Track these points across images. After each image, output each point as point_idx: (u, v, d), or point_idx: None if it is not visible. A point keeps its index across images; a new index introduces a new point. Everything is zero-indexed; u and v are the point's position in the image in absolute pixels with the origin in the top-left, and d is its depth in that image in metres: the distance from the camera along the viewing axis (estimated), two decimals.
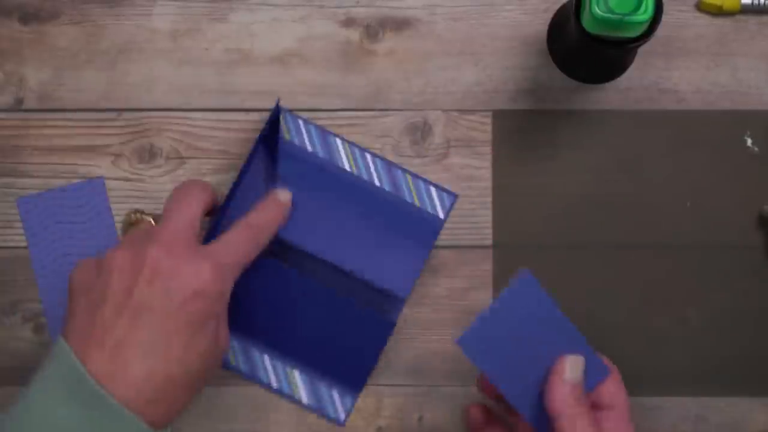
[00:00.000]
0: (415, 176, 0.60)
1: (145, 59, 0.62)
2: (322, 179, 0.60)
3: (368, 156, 0.60)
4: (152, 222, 0.53)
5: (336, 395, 0.60)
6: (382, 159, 0.60)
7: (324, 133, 0.61)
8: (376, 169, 0.60)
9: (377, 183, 0.60)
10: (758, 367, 0.60)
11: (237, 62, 0.62)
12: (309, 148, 0.61)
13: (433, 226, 0.60)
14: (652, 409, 0.59)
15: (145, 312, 0.48)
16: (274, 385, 0.60)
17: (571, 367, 0.50)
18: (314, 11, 0.62)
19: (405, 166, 0.60)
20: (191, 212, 0.52)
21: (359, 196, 0.60)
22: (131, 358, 0.48)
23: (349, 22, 0.62)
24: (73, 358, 0.47)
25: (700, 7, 0.61)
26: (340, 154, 0.60)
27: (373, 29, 0.62)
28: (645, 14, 0.49)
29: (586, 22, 0.51)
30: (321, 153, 0.60)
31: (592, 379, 0.52)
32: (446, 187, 0.60)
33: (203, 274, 0.50)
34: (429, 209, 0.60)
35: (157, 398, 0.48)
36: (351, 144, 0.61)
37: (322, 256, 0.59)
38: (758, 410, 0.59)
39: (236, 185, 0.59)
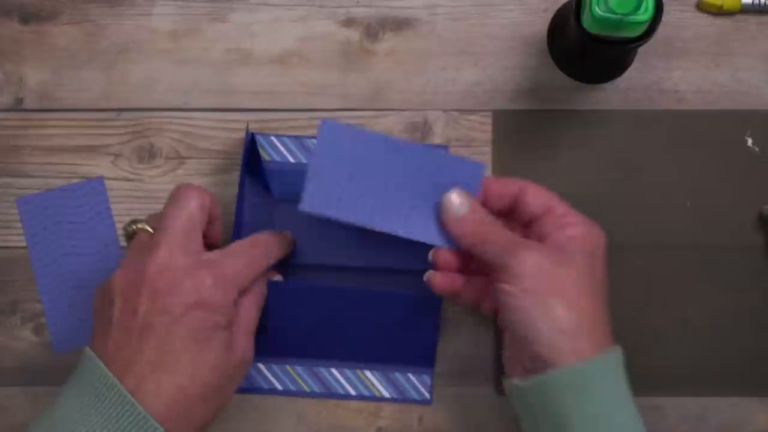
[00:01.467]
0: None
1: (145, 59, 0.62)
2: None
3: None
4: (149, 231, 0.53)
5: (413, 378, 0.60)
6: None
7: (299, 139, 0.61)
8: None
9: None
10: (758, 367, 0.60)
11: (237, 62, 0.62)
12: (291, 159, 0.60)
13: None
14: (652, 409, 0.59)
15: (150, 331, 0.48)
16: (353, 392, 0.60)
17: (455, 205, 0.53)
18: (314, 11, 0.62)
19: None
20: (187, 214, 0.52)
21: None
22: (141, 376, 0.48)
23: (349, 22, 0.62)
24: (102, 367, 0.48)
25: (700, 7, 0.61)
26: None
27: (373, 29, 0.62)
28: (645, 14, 0.49)
29: (586, 22, 0.51)
30: (304, 159, 0.60)
31: (472, 183, 0.54)
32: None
33: (203, 285, 0.50)
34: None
35: (172, 413, 0.48)
36: None
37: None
38: (758, 410, 0.59)
39: (238, 224, 0.58)
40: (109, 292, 0.50)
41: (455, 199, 0.53)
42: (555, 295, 0.49)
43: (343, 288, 0.59)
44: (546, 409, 0.48)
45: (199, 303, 0.49)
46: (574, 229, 0.52)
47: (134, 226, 0.53)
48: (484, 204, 0.54)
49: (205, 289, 0.49)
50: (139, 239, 0.52)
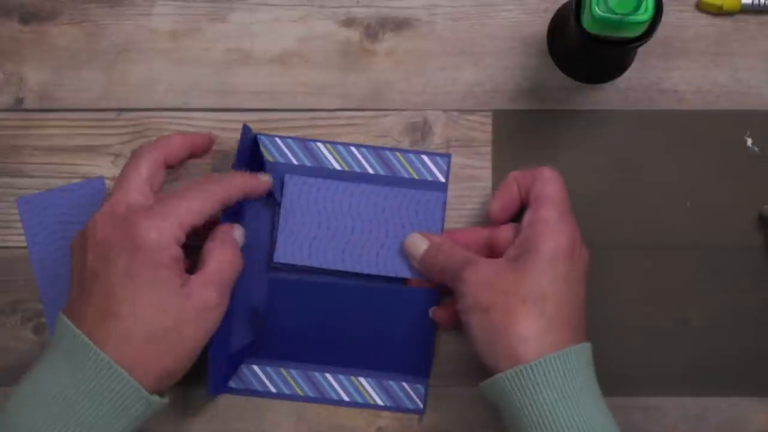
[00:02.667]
0: (404, 151, 0.60)
1: (145, 59, 0.62)
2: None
3: (353, 149, 0.61)
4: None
5: (407, 386, 0.60)
6: (367, 147, 0.61)
7: (303, 141, 0.61)
8: (365, 159, 0.60)
9: (371, 171, 0.60)
10: (758, 367, 0.60)
11: (237, 62, 0.62)
12: (294, 161, 0.61)
13: (438, 192, 0.60)
14: (652, 409, 0.59)
15: (95, 278, 0.50)
16: (346, 398, 0.60)
17: (413, 248, 0.58)
18: (314, 11, 0.62)
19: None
20: (133, 167, 0.53)
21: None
22: (93, 324, 0.49)
23: (349, 22, 0.62)
24: (64, 320, 0.50)
25: (700, 7, 0.61)
26: (326, 157, 0.61)
27: (373, 29, 0.62)
28: (645, 14, 0.49)
29: (586, 22, 0.51)
30: (308, 162, 0.61)
31: (435, 211, 0.59)
32: (439, 153, 0.61)
33: (138, 227, 0.50)
34: (428, 177, 0.60)
35: (124, 357, 0.49)
36: (332, 143, 0.61)
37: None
38: (758, 410, 0.59)
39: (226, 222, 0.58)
40: (69, 250, 0.53)
41: (410, 242, 0.58)
42: (493, 306, 0.51)
43: (341, 283, 0.59)
44: (500, 409, 0.52)
45: (135, 245, 0.50)
46: (538, 228, 0.53)
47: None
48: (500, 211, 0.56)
49: (140, 231, 0.50)
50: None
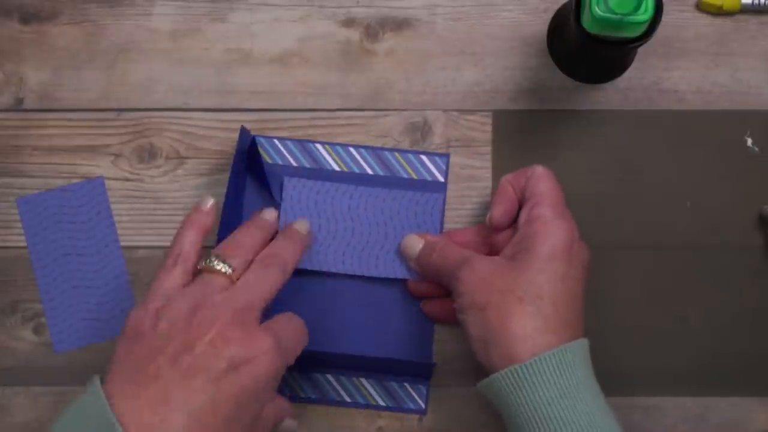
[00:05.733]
0: (403, 152, 0.61)
1: (145, 59, 0.62)
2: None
3: (352, 149, 0.61)
4: (230, 277, 0.51)
5: (409, 387, 0.60)
6: (366, 147, 0.61)
7: (302, 143, 0.61)
8: (364, 159, 0.60)
9: (370, 171, 0.60)
10: (758, 367, 0.60)
11: (237, 62, 0.62)
12: (293, 162, 0.61)
13: (437, 192, 0.60)
14: (652, 409, 0.59)
15: (202, 372, 0.47)
16: (348, 399, 0.59)
17: (409, 249, 0.58)
18: (314, 11, 0.62)
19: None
20: (266, 291, 0.51)
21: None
22: (173, 413, 0.46)
23: (349, 22, 0.62)
24: (105, 404, 0.45)
25: (700, 7, 0.61)
26: (325, 158, 0.61)
27: (373, 29, 0.62)
28: (645, 14, 0.49)
29: (586, 22, 0.51)
30: (307, 163, 0.61)
31: (434, 213, 0.59)
32: (438, 154, 0.61)
33: (267, 348, 0.48)
34: (428, 177, 0.60)
35: None
36: (331, 144, 0.61)
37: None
38: (758, 410, 0.59)
39: (225, 224, 0.57)
40: (169, 316, 0.48)
41: (407, 244, 0.58)
42: (489, 304, 0.51)
43: (341, 285, 0.59)
44: (498, 409, 0.52)
45: (257, 365, 0.48)
46: (535, 226, 0.53)
47: (210, 263, 0.51)
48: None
49: (266, 352, 0.48)
50: (213, 278, 0.51)
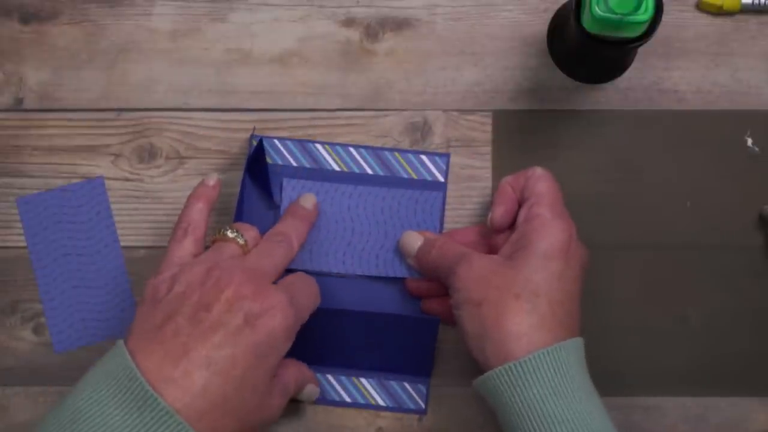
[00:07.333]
0: (403, 152, 0.61)
1: (145, 59, 0.62)
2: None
3: (352, 149, 0.61)
4: (242, 247, 0.53)
5: (408, 386, 0.59)
6: (366, 147, 0.61)
7: (302, 143, 0.61)
8: (364, 159, 0.60)
9: (370, 171, 0.60)
10: (758, 366, 0.60)
11: (237, 62, 0.62)
12: (293, 163, 0.61)
13: (437, 192, 0.60)
14: (652, 409, 0.59)
15: (220, 328, 0.48)
16: (348, 399, 0.59)
17: (407, 247, 0.58)
18: (314, 11, 0.62)
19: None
20: (275, 263, 0.53)
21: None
22: (195, 367, 0.47)
23: (349, 22, 0.62)
24: (127, 357, 0.47)
25: (700, 7, 0.61)
26: (325, 158, 0.60)
27: (373, 29, 0.62)
28: (645, 14, 0.49)
29: (586, 22, 0.51)
30: (307, 163, 0.60)
31: (433, 211, 0.59)
32: (439, 153, 0.61)
33: (280, 303, 0.50)
34: (428, 177, 0.60)
35: (208, 414, 0.47)
36: (331, 144, 0.61)
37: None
38: (758, 410, 0.59)
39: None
40: (185, 279, 0.50)
41: (405, 241, 0.58)
42: (485, 301, 0.51)
43: (341, 284, 0.59)
44: (493, 407, 0.51)
45: (275, 319, 0.50)
46: (533, 225, 0.53)
47: (224, 233, 0.53)
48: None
49: (283, 308, 0.50)
50: (224, 247, 0.53)
